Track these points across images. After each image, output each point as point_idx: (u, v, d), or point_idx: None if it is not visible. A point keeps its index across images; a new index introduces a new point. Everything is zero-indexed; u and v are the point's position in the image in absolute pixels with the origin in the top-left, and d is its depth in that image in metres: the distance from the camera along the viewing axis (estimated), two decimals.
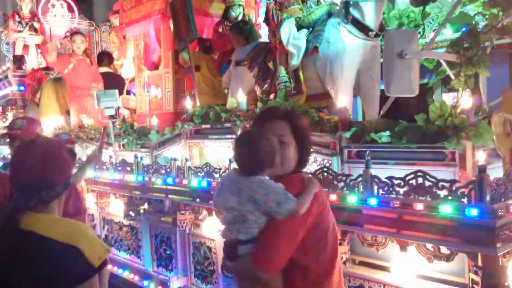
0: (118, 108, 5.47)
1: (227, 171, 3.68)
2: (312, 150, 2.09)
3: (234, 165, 3.63)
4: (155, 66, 6.05)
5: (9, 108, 8.57)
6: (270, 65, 4.02)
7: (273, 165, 2.09)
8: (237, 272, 2.01)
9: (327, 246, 1.91)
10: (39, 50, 8.71)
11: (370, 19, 3.37)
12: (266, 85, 4.02)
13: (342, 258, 2.16)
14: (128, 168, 4.74)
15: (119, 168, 4.83)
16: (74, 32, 7.14)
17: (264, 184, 1.99)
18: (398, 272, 2.81)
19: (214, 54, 5.73)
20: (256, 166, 2.07)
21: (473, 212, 2.26)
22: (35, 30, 8.97)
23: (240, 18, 5.45)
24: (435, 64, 3.91)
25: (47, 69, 8.34)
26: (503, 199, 2.34)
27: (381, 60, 3.44)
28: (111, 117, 5.06)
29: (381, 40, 3.61)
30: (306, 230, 1.87)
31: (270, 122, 2.00)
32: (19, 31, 8.93)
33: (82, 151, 5.99)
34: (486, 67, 2.57)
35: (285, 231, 1.88)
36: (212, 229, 4.04)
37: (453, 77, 2.69)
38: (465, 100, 2.53)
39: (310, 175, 2.11)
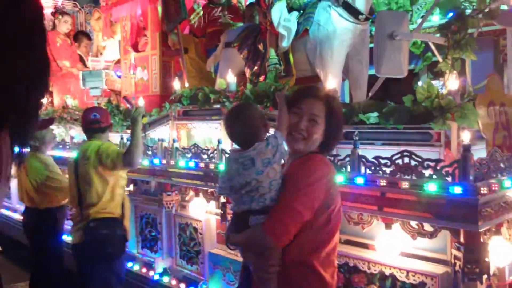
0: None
1: (215, 152, 3.71)
2: (339, 138, 2.22)
3: (223, 146, 3.69)
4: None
5: None
6: (260, 47, 4.04)
7: (266, 130, 2.17)
8: (244, 242, 2.09)
9: (329, 224, 2.00)
10: None
11: (361, 2, 3.42)
12: (256, 67, 4.03)
13: None
14: None
15: None
16: (63, 12, 7.10)
17: (265, 142, 2.09)
18: (382, 249, 2.88)
19: (202, 38, 5.72)
20: (252, 135, 2.14)
21: (457, 189, 2.33)
22: None
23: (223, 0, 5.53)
24: (422, 50, 3.98)
25: None
26: (485, 179, 2.42)
27: (371, 45, 3.49)
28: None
29: (370, 25, 3.66)
30: (322, 197, 1.96)
31: (308, 100, 2.06)
32: None
33: (66, 133, 5.93)
34: (472, 51, 2.64)
35: (298, 202, 1.95)
36: (198, 210, 4.06)
37: (440, 60, 2.75)
38: (452, 82, 2.60)
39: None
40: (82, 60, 7.27)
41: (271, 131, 2.12)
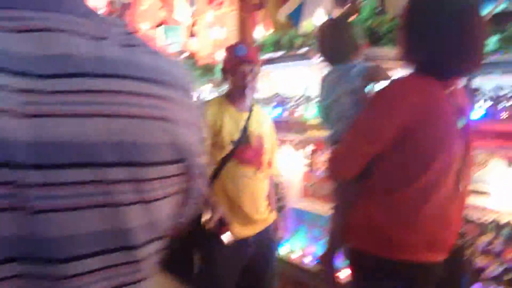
0: None
1: (301, 98, 3.52)
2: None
3: (309, 92, 3.47)
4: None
5: None
6: None
7: (358, 52, 2.04)
8: None
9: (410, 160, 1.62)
10: None
11: None
12: (347, 6, 3.74)
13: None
14: None
15: None
16: None
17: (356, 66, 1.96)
18: (499, 195, 2.54)
19: None
20: (340, 50, 2.04)
21: None
22: None
23: None
24: None
25: None
26: None
27: None
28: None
29: None
30: (394, 124, 1.59)
31: None
32: None
33: None
34: None
35: (359, 135, 1.69)
36: (281, 163, 3.87)
37: None
38: None
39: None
40: None
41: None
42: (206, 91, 4.63)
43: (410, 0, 1.65)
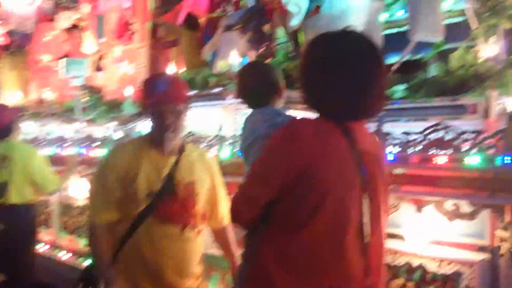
0: None
1: (215, 139, 3.43)
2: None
3: (223, 133, 3.39)
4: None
5: None
6: (266, 28, 3.80)
7: (279, 94, 2.04)
8: None
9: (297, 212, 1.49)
10: None
11: None
12: (262, 49, 3.78)
13: None
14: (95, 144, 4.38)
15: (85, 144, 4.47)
16: (66, 7, 6.62)
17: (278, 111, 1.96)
18: (410, 238, 2.60)
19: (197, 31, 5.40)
20: (263, 93, 2.02)
21: (505, 160, 2.10)
22: None
23: None
24: None
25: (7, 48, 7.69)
26: None
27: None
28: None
29: None
30: (281, 177, 1.48)
31: None
32: None
33: (40, 129, 5.56)
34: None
35: (254, 179, 1.59)
36: None
37: (473, 27, 2.56)
38: (490, 48, 2.40)
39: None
40: None
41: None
42: (111, 130, 4.37)
43: (306, 46, 1.61)
